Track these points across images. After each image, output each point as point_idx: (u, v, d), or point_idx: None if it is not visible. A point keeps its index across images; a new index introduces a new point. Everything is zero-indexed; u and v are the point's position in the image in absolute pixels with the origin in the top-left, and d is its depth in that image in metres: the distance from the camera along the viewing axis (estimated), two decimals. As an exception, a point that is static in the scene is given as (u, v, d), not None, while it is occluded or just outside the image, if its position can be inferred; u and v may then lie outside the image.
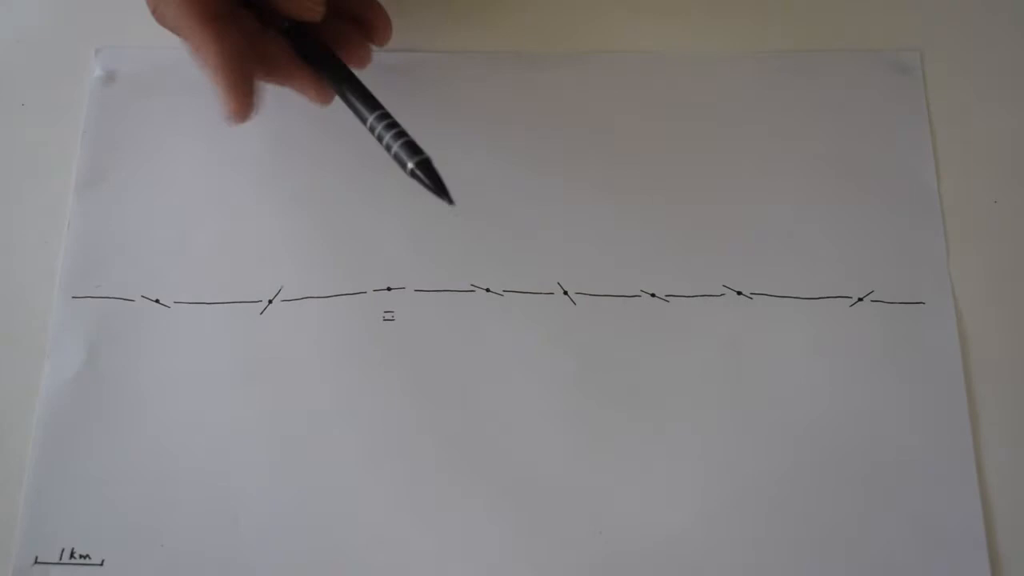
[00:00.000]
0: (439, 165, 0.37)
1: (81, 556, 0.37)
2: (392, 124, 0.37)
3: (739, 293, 0.41)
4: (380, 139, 0.37)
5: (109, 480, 0.38)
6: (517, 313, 0.41)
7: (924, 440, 0.39)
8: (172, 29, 0.37)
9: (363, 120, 0.38)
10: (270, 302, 0.41)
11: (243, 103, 0.38)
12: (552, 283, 0.41)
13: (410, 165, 0.36)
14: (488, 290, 0.41)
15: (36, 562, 0.37)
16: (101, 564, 0.37)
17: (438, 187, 0.36)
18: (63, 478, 0.38)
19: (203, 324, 0.41)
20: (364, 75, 0.39)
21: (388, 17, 0.41)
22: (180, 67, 0.44)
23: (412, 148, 0.37)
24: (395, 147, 0.37)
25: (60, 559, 0.37)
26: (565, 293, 0.41)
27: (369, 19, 0.41)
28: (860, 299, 0.41)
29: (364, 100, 0.38)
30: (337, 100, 0.40)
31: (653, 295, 0.41)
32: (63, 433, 0.39)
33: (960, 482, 0.38)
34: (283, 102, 0.44)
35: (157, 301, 0.41)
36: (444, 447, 0.39)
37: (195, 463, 0.39)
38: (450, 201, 0.36)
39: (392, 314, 0.41)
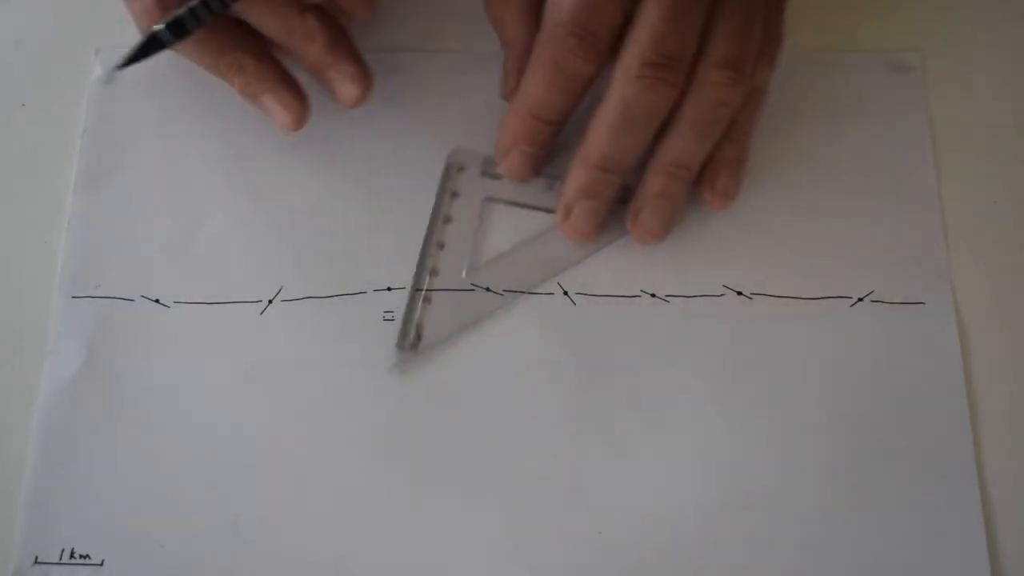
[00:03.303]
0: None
1: (81, 556, 0.37)
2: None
3: (739, 293, 0.41)
4: None
5: (109, 480, 0.38)
6: (517, 313, 0.41)
7: (924, 440, 0.39)
8: None
9: None
10: (270, 302, 0.41)
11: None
12: (552, 283, 0.41)
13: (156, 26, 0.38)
14: (488, 290, 0.41)
15: (36, 562, 0.37)
16: (101, 564, 0.37)
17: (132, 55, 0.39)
18: (63, 478, 0.38)
19: (203, 324, 0.41)
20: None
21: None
22: (180, 67, 0.44)
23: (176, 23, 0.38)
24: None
25: (60, 559, 0.37)
26: (565, 293, 0.41)
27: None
28: (860, 299, 0.41)
29: None
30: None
31: (653, 295, 0.41)
32: (63, 433, 0.39)
33: (960, 482, 0.38)
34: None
35: (157, 301, 0.41)
36: (444, 447, 0.39)
37: (195, 463, 0.39)
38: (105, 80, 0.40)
39: (392, 314, 0.41)
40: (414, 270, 0.41)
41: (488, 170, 0.42)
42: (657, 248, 0.41)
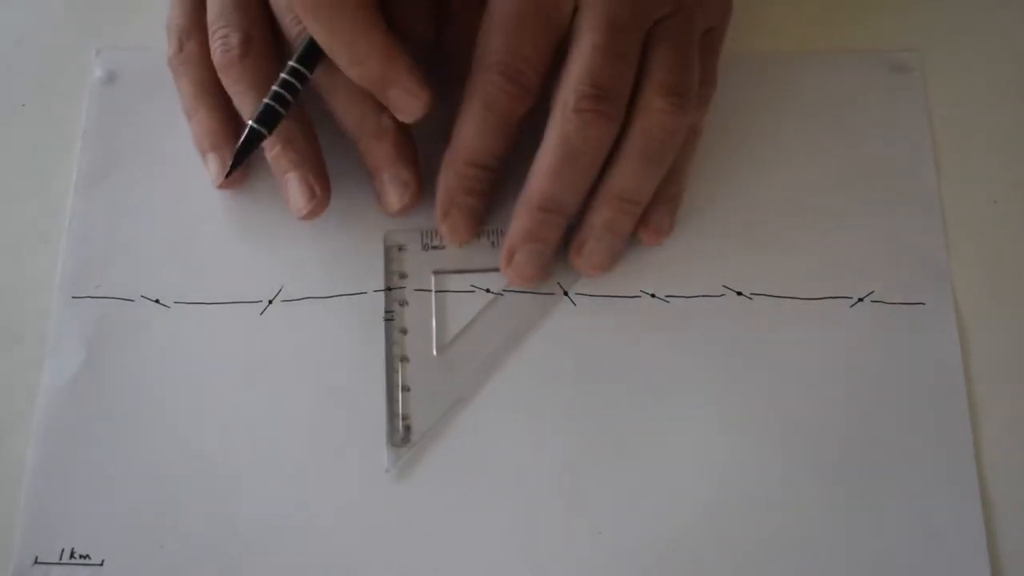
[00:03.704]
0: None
1: (81, 556, 0.37)
2: (287, 84, 0.38)
3: (739, 293, 0.41)
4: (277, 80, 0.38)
5: (109, 480, 0.38)
6: (516, 313, 0.41)
7: (924, 440, 0.39)
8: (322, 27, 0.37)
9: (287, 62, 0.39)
10: (270, 302, 0.41)
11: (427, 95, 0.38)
12: (552, 283, 0.41)
13: (249, 121, 0.38)
14: (488, 290, 0.41)
15: (36, 562, 0.37)
16: (101, 564, 0.37)
17: (236, 156, 0.39)
18: (63, 478, 0.38)
19: (203, 324, 0.41)
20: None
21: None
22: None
23: (265, 113, 0.38)
24: (265, 99, 0.38)
25: (60, 559, 0.37)
26: (565, 293, 0.41)
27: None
28: (860, 299, 0.41)
29: (308, 52, 0.38)
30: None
31: (653, 295, 0.41)
32: (63, 433, 0.39)
33: (960, 482, 0.38)
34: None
35: (157, 301, 0.41)
36: (443, 447, 0.39)
37: (195, 463, 0.39)
38: (224, 175, 0.40)
39: (392, 314, 0.41)
40: (383, 364, 0.40)
41: (429, 243, 0.41)
42: (657, 248, 0.41)
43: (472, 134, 0.39)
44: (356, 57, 0.37)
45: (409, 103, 0.38)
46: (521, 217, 0.39)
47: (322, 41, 0.37)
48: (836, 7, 0.46)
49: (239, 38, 0.40)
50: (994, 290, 0.41)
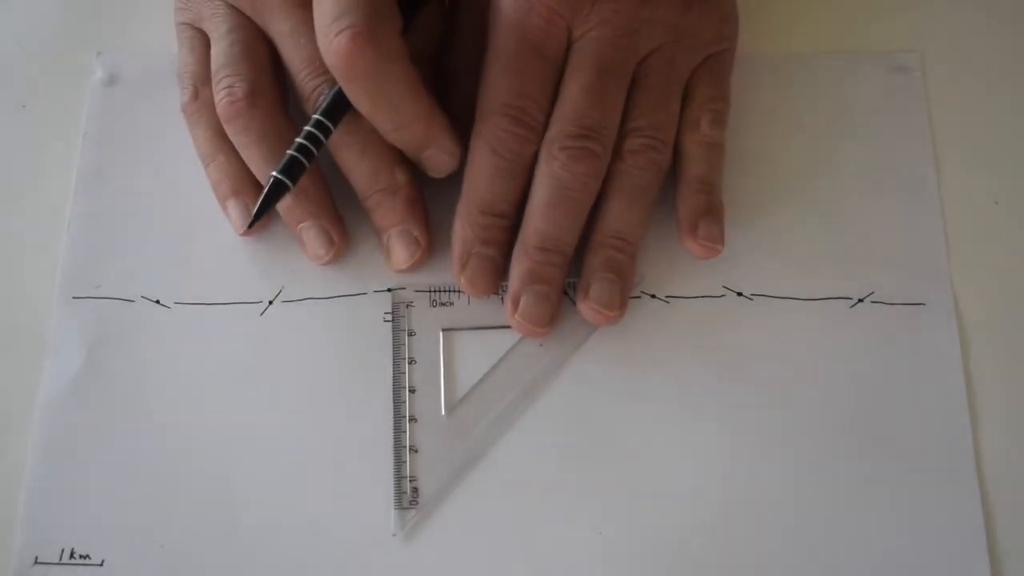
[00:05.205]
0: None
1: (81, 556, 0.37)
2: (312, 137, 0.38)
3: (739, 294, 0.41)
4: (300, 132, 0.38)
5: (109, 480, 0.38)
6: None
7: (924, 440, 0.38)
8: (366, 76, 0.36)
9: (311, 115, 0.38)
10: (270, 303, 0.41)
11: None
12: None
13: (272, 172, 0.37)
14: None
15: (36, 562, 0.37)
16: (101, 564, 0.37)
17: (259, 208, 0.38)
18: (63, 478, 0.38)
19: (203, 325, 0.41)
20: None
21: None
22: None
23: (290, 165, 0.37)
24: (289, 151, 0.37)
25: (60, 559, 0.37)
26: (566, 293, 0.41)
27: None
28: (860, 300, 0.41)
29: (333, 107, 0.38)
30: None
31: (653, 295, 0.41)
32: (63, 433, 0.39)
33: (960, 482, 0.38)
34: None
35: (157, 302, 0.41)
36: (444, 447, 0.39)
37: (195, 463, 0.39)
38: (248, 225, 0.39)
39: (392, 315, 0.41)
40: (392, 425, 0.39)
41: (438, 299, 0.41)
42: (657, 249, 0.41)
43: (484, 181, 0.39)
44: (400, 122, 0.37)
45: (444, 161, 0.39)
46: (520, 260, 0.39)
47: (364, 107, 0.37)
48: (836, 8, 0.46)
49: (245, 89, 0.39)
50: (994, 290, 0.41)
